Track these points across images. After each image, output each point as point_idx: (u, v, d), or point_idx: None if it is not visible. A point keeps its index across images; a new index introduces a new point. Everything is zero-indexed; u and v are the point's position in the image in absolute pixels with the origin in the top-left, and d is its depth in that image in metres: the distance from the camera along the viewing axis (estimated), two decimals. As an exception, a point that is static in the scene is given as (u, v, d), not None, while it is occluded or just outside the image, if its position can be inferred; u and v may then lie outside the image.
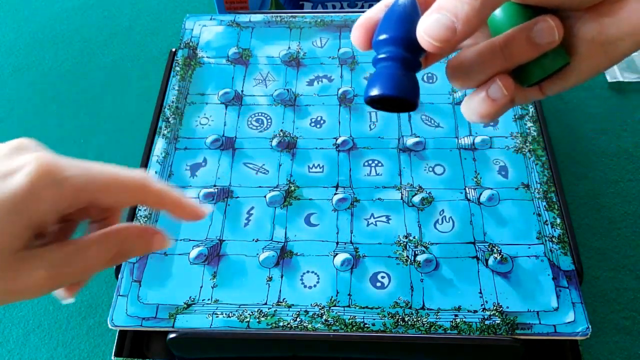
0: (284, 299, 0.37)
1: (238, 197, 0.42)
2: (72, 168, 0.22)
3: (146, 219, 0.40)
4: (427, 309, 0.36)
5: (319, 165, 0.43)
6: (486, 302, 0.36)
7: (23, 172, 0.20)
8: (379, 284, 0.37)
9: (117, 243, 0.24)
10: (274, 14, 0.54)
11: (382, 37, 0.24)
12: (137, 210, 0.41)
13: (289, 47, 0.51)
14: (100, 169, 0.23)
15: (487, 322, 0.35)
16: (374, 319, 0.35)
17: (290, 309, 0.36)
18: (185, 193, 0.42)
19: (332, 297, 0.37)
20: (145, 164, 0.44)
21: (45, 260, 0.21)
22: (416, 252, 0.38)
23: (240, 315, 0.36)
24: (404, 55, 0.24)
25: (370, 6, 0.61)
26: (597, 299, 0.44)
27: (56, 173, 0.21)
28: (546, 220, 0.39)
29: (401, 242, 0.39)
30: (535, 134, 0.44)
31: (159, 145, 0.45)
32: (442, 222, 0.40)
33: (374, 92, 0.23)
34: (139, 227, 0.26)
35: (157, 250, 0.29)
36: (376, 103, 0.25)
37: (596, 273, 0.45)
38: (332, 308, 0.36)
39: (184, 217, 0.27)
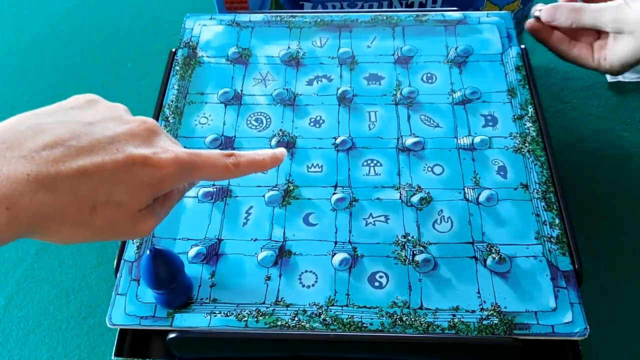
0: (282, 298, 0.37)
1: (237, 196, 0.42)
2: (191, 161, 0.29)
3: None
4: (425, 308, 0.36)
5: (317, 164, 0.43)
6: (484, 302, 0.36)
7: (162, 161, 0.28)
8: (377, 284, 0.37)
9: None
10: (273, 14, 0.54)
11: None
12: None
13: (289, 47, 0.51)
14: (203, 157, 0.30)
15: (485, 322, 0.35)
16: (372, 319, 0.35)
17: (289, 309, 0.36)
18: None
19: (330, 296, 0.37)
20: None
21: (155, 214, 0.29)
22: (414, 252, 0.38)
23: (239, 314, 0.36)
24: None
25: (370, 6, 0.61)
26: (597, 299, 0.44)
27: (184, 168, 0.29)
28: (545, 221, 0.39)
29: (399, 241, 0.39)
30: (534, 134, 0.44)
31: (158, 145, 0.45)
32: (441, 222, 0.40)
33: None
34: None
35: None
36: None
37: (596, 273, 0.45)
38: (330, 307, 0.36)
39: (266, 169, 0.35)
